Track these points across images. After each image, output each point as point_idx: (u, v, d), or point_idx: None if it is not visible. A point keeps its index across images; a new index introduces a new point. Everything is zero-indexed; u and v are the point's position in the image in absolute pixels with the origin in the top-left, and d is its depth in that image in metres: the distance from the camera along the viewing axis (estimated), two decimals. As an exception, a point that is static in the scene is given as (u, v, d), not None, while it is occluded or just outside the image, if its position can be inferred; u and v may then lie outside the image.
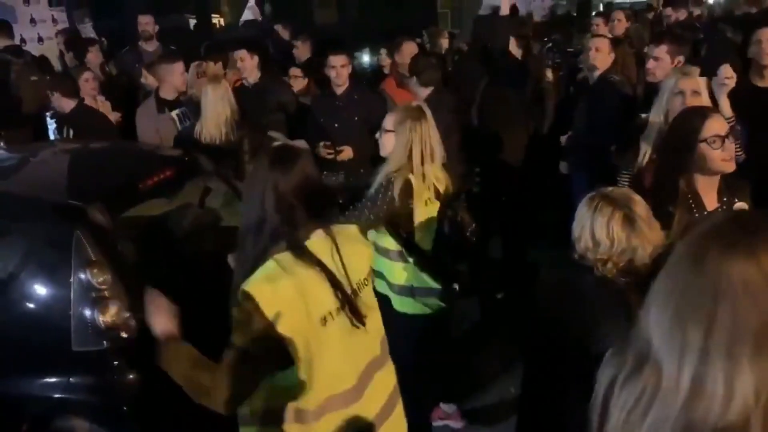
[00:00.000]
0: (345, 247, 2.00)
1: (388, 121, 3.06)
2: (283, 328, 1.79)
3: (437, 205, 3.10)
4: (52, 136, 5.13)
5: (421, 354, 3.22)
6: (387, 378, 2.15)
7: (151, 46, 6.94)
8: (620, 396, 1.14)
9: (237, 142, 4.38)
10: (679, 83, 3.08)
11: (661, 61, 3.92)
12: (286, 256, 1.87)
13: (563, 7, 12.11)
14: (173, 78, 4.97)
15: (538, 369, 2.27)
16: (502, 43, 4.90)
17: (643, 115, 3.35)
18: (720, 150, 2.39)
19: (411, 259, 3.04)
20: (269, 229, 1.89)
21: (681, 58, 3.97)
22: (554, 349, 2.13)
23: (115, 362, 2.65)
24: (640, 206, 2.07)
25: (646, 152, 3.12)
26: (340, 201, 4.11)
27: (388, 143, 3.05)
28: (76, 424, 2.73)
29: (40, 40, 8.64)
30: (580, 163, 4.51)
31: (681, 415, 1.03)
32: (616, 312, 1.95)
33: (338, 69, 4.71)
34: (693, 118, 2.49)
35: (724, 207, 2.48)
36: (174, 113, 4.92)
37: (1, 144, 5.03)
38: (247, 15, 9.76)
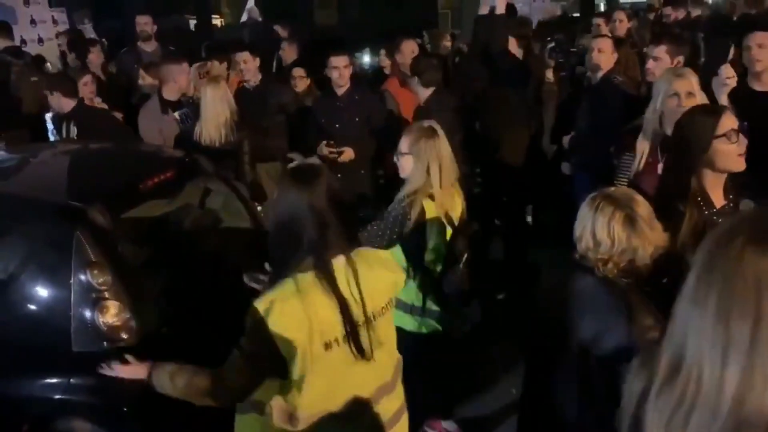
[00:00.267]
0: (367, 273, 2.01)
1: (404, 144, 3.09)
2: (282, 347, 1.86)
3: (449, 231, 3.13)
4: (51, 137, 5.13)
5: (415, 367, 3.24)
6: (391, 402, 2.17)
7: (149, 47, 6.94)
8: (656, 406, 1.12)
9: (236, 144, 4.38)
10: (673, 85, 3.07)
11: (661, 61, 3.91)
12: (307, 277, 1.91)
13: (562, 8, 12.11)
14: (178, 78, 4.97)
15: (539, 370, 2.27)
16: (501, 43, 4.89)
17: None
18: (736, 144, 2.40)
19: (416, 279, 3.09)
20: (306, 245, 1.92)
21: (681, 59, 3.96)
22: (555, 350, 2.12)
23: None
24: (642, 206, 2.07)
25: (642, 155, 3.12)
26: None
27: (406, 166, 3.08)
28: (76, 425, 2.72)
29: (41, 41, 8.65)
30: (583, 163, 4.50)
31: (730, 415, 1.02)
32: (617, 312, 1.95)
33: (341, 70, 4.70)
34: (705, 116, 2.49)
35: (731, 204, 2.49)
36: (177, 114, 4.91)
37: (1, 145, 5.02)
38: (247, 16, 9.78)
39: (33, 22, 8.64)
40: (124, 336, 2.67)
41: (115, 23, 11.26)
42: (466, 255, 3.22)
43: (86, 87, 5.27)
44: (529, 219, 5.84)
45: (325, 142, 4.58)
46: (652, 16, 8.77)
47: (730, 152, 2.41)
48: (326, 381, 1.95)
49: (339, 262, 1.96)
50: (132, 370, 2.22)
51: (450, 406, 3.63)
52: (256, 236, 3.47)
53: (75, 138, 4.66)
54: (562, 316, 2.10)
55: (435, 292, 3.14)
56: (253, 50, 5.39)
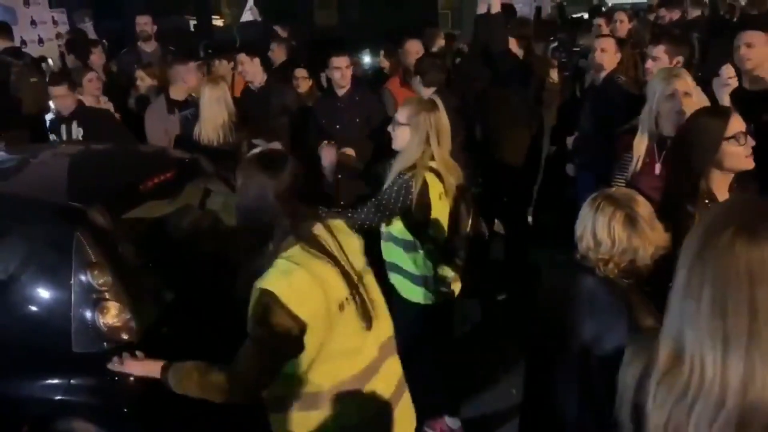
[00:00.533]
0: (344, 237, 2.11)
1: (402, 114, 3.05)
2: (305, 316, 1.87)
3: (450, 199, 3.13)
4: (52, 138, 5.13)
5: (423, 346, 3.29)
6: (396, 364, 2.24)
7: (149, 47, 6.95)
8: (657, 395, 1.13)
9: (235, 145, 4.38)
10: (669, 85, 3.07)
11: (659, 61, 3.91)
12: (295, 251, 1.94)
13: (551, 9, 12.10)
14: (187, 78, 4.95)
15: (540, 370, 2.27)
16: (500, 42, 4.88)
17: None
18: (744, 147, 2.43)
19: (423, 250, 3.08)
20: (279, 232, 1.95)
21: (680, 59, 3.95)
22: (555, 350, 2.12)
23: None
24: (643, 206, 2.06)
25: (639, 157, 3.12)
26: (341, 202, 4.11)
27: (401, 136, 3.04)
28: (76, 425, 2.72)
29: (41, 41, 8.66)
30: (586, 164, 4.50)
31: (734, 406, 1.03)
32: (618, 313, 1.94)
33: (343, 70, 4.70)
34: (714, 117, 2.51)
35: None
36: (180, 114, 4.91)
37: (1, 145, 5.02)
38: (247, 16, 9.77)
39: (33, 22, 8.65)
40: (125, 337, 2.67)
41: (114, 23, 11.27)
42: (470, 221, 3.23)
43: (91, 83, 5.28)
44: (530, 219, 5.84)
45: (326, 142, 4.57)
46: (652, 17, 8.77)
47: (739, 154, 2.44)
48: (342, 345, 1.99)
49: (319, 230, 2.03)
50: (145, 368, 2.17)
51: (456, 404, 3.63)
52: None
53: (80, 139, 4.66)
54: (562, 316, 2.10)
55: (444, 260, 3.13)
56: (250, 51, 5.36)
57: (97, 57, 6.54)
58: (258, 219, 1.97)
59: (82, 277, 2.67)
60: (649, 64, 3.98)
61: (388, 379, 2.17)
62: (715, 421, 1.04)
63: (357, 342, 2.04)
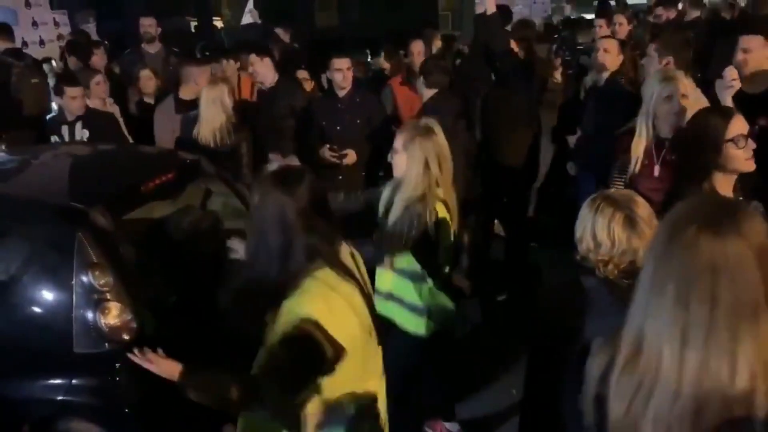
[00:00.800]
0: (358, 260, 2.14)
1: (398, 142, 2.99)
2: (343, 341, 1.87)
3: (455, 224, 3.09)
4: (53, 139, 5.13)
5: (416, 370, 3.29)
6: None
7: (153, 48, 6.95)
8: (618, 388, 1.15)
9: (234, 146, 4.38)
10: (665, 87, 3.07)
11: (650, 58, 3.91)
12: (326, 273, 1.92)
13: (560, 10, 12.13)
14: (200, 80, 4.91)
15: (540, 370, 2.28)
16: (500, 42, 4.89)
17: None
18: (744, 149, 2.45)
19: (430, 281, 3.02)
20: (301, 249, 1.91)
21: (670, 59, 3.93)
22: (556, 350, 2.13)
23: (117, 364, 2.65)
24: (642, 207, 2.07)
25: (638, 159, 3.12)
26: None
27: (400, 164, 2.97)
28: (77, 426, 2.73)
29: (42, 42, 8.66)
30: (588, 164, 4.50)
31: (689, 395, 1.05)
32: (618, 314, 1.95)
33: (344, 72, 4.68)
34: (715, 119, 2.53)
35: None
36: (192, 114, 4.90)
37: (3, 146, 5.02)
38: (247, 18, 9.79)
39: (34, 24, 8.66)
40: (126, 337, 2.67)
41: (115, 25, 11.28)
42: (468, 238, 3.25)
43: (99, 87, 5.29)
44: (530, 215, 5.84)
45: (327, 146, 4.58)
46: (651, 17, 8.77)
47: (739, 156, 2.46)
48: (359, 366, 1.99)
49: (344, 251, 2.04)
50: (164, 367, 2.01)
51: (452, 408, 3.62)
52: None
53: (85, 141, 4.67)
54: (562, 316, 2.10)
55: (448, 291, 3.11)
56: (260, 51, 5.27)
57: (98, 58, 6.53)
58: (276, 237, 1.91)
59: (84, 278, 2.68)
60: (644, 61, 3.99)
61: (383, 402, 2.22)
62: (671, 411, 1.07)
63: (370, 362, 2.08)
